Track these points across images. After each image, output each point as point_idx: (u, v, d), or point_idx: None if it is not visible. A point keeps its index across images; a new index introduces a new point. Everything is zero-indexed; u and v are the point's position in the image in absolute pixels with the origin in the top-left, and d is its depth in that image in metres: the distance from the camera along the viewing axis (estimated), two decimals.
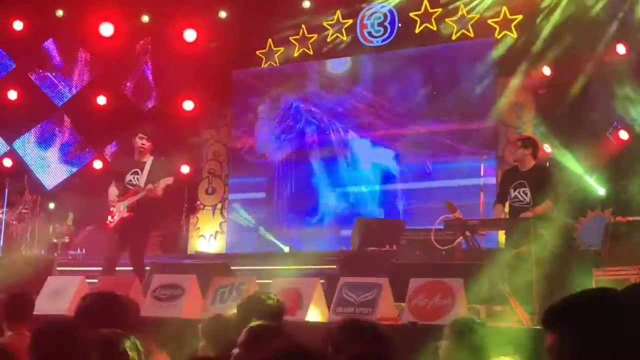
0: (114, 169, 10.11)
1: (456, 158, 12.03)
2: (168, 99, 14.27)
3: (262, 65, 13.77)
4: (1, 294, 5.77)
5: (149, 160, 9.13)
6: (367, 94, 13.01)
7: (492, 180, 10.81)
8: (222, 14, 13.83)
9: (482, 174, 9.67)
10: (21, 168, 14.36)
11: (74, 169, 14.66)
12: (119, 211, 8.96)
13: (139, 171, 9.03)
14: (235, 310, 5.02)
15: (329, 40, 13.32)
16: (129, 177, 9.07)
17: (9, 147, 14.84)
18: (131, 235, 8.90)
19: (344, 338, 3.64)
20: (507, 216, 8.20)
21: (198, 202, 14.00)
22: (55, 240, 12.45)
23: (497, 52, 11.92)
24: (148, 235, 9.42)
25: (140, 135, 9.20)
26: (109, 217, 9.04)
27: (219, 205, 13.93)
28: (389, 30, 12.88)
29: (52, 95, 14.84)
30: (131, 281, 7.76)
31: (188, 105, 14.13)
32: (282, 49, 13.57)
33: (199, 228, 13.88)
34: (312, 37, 13.41)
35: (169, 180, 8.92)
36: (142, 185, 8.94)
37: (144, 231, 9.13)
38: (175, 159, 10.87)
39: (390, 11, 12.89)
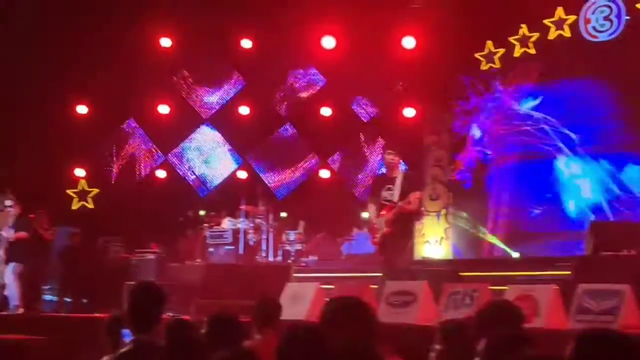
0: (370, 188, 10.49)
1: None
2: (388, 106, 14.48)
3: (482, 68, 13.61)
4: (250, 299, 6.12)
5: (399, 174, 9.35)
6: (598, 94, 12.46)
7: None
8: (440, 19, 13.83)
9: None
10: (254, 180, 15.18)
11: (303, 179, 15.27)
12: (380, 228, 9.25)
13: (392, 187, 9.27)
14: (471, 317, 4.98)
15: (550, 37, 12.93)
16: (384, 193, 9.30)
17: (242, 160, 15.74)
18: (390, 248, 9.17)
19: (591, 348, 3.51)
20: None
21: (422, 209, 14.04)
22: (288, 248, 13.02)
23: None
24: (405, 247, 9.54)
25: (388, 151, 9.51)
26: (375, 235, 9.36)
27: (443, 211, 13.91)
28: (615, 23, 12.31)
29: (279, 107, 15.55)
30: (365, 287, 7.96)
31: (409, 112, 14.26)
32: (502, 50, 13.36)
33: (423, 234, 13.93)
34: (533, 35, 13.08)
35: (417, 194, 9.20)
36: (395, 200, 9.17)
37: (400, 243, 9.29)
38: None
39: (616, 3, 12.30)
